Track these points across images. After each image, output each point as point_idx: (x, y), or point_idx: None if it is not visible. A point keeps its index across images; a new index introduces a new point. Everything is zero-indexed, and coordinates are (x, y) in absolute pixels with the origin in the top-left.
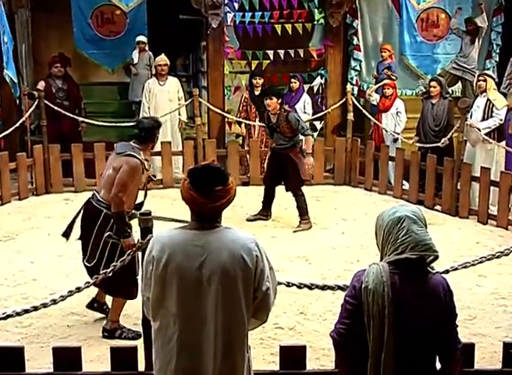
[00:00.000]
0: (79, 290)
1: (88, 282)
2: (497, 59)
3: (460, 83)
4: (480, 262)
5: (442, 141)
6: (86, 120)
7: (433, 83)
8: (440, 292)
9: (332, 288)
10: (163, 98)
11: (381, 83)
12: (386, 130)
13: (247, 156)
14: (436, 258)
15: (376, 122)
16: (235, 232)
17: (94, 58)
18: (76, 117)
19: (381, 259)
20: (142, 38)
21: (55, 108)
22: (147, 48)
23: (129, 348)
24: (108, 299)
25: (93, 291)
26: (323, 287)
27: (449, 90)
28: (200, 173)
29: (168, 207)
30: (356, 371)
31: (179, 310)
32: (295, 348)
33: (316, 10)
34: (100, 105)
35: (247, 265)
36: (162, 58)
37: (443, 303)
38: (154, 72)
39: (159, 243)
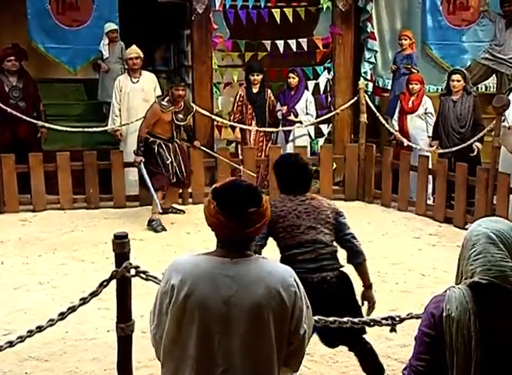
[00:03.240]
0: (40, 329)
1: (52, 319)
2: None
3: (494, 77)
4: None
5: (474, 145)
6: (46, 125)
7: (456, 77)
8: None
9: (343, 323)
10: (137, 98)
11: None
12: (408, 142)
13: (241, 167)
14: None
15: (392, 130)
16: (271, 263)
17: (51, 55)
18: (34, 121)
19: (457, 282)
20: (113, 26)
21: (9, 110)
22: (118, 39)
23: None
24: None
25: (56, 330)
26: (333, 322)
27: (482, 85)
28: (228, 192)
29: (146, 227)
30: None
31: (199, 352)
32: None
33: None
34: (63, 107)
35: (285, 303)
36: (134, 50)
37: None
38: (125, 66)
39: (180, 270)
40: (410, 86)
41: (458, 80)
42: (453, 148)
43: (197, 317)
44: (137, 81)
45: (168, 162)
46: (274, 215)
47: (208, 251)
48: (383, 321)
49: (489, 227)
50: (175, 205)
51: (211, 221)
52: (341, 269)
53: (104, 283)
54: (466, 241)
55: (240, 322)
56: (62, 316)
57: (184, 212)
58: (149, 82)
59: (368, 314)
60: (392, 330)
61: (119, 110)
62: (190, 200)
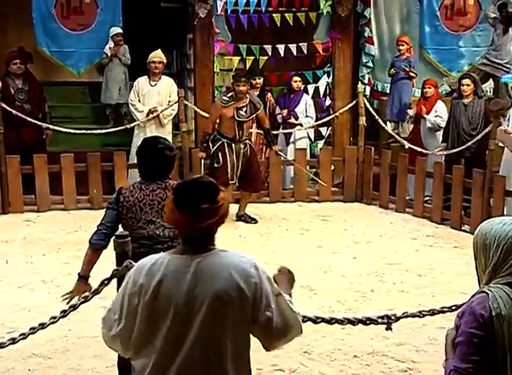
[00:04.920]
0: (43, 326)
1: (54, 317)
2: None
3: (491, 82)
4: None
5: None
6: (51, 127)
7: (466, 81)
8: None
9: (340, 322)
10: (152, 100)
11: None
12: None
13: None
14: None
15: (391, 132)
16: (231, 255)
17: (56, 58)
18: (39, 123)
19: (486, 283)
20: (118, 30)
21: (14, 112)
22: (122, 42)
23: None
24: None
25: (56, 328)
26: (329, 321)
27: None
28: (184, 189)
29: None
30: None
31: (166, 347)
32: None
33: None
34: (67, 109)
35: (245, 294)
36: (158, 55)
37: None
38: (124, 65)
39: (145, 271)
40: (424, 90)
41: (468, 85)
42: (454, 150)
43: (163, 314)
44: (155, 84)
45: (219, 164)
46: (122, 205)
47: (171, 250)
48: (379, 320)
49: None
50: (248, 214)
51: (169, 216)
52: None
53: (106, 282)
54: (506, 245)
55: (202, 316)
56: (64, 313)
57: (257, 221)
58: (166, 86)
59: None
60: (388, 328)
61: (141, 112)
62: None
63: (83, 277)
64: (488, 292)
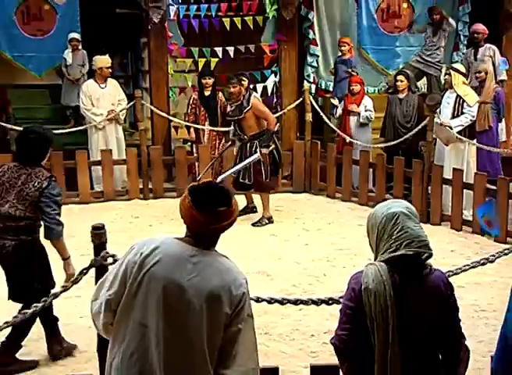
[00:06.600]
0: (24, 315)
1: (36, 306)
2: (465, 51)
3: (425, 79)
4: (458, 273)
5: (421, 143)
6: (15, 127)
7: (400, 77)
8: (441, 287)
9: (305, 302)
10: (106, 103)
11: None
12: (354, 140)
13: (196, 164)
14: (430, 256)
15: (335, 127)
16: (229, 262)
17: (18, 62)
18: (3, 124)
19: (375, 259)
20: (76, 35)
21: None
22: (80, 47)
23: None
24: None
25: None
26: (282, 302)
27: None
28: (203, 191)
29: (111, 221)
30: None
31: (149, 321)
32: (262, 370)
33: (268, 1)
34: (30, 111)
35: (233, 299)
36: (107, 60)
37: (445, 298)
38: (83, 72)
39: (152, 245)
40: (351, 87)
41: (402, 81)
42: (392, 143)
43: (152, 288)
44: (105, 87)
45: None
46: None
47: (180, 237)
48: (341, 300)
49: (399, 207)
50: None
51: (185, 214)
52: (27, 240)
53: (84, 271)
54: (380, 224)
55: (191, 306)
56: (45, 302)
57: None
58: (114, 88)
59: (66, 281)
60: None
61: (94, 114)
62: (151, 195)
63: None
64: (365, 268)
